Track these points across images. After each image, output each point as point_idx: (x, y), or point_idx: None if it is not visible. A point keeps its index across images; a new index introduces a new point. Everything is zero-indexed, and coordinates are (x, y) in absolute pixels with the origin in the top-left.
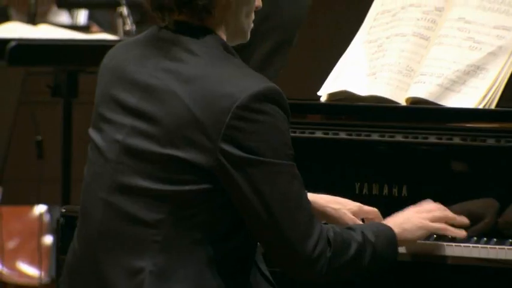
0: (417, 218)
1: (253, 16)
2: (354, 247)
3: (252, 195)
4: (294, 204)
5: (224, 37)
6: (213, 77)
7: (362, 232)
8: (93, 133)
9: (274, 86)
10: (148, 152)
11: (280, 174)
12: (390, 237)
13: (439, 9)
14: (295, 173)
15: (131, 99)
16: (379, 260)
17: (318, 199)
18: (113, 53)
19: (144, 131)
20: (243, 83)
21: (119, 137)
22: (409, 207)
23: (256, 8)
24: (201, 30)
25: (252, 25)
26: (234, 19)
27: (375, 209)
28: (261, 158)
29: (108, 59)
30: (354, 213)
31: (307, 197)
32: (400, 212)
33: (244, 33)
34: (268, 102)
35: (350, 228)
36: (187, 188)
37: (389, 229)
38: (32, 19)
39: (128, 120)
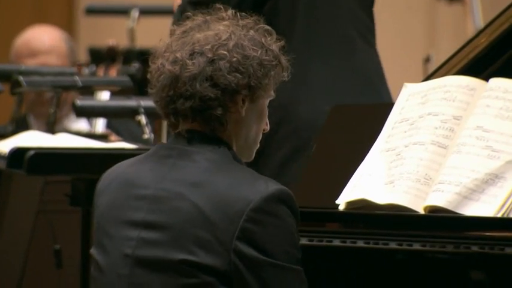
0: None
1: (260, 137)
2: None
3: None
4: None
5: (234, 149)
6: (222, 181)
7: None
8: (96, 253)
9: (285, 189)
10: (160, 260)
11: (291, 278)
12: None
13: (457, 118)
14: (304, 279)
15: (139, 214)
16: None
17: None
18: (115, 171)
19: (153, 240)
20: (255, 186)
21: (129, 251)
22: None
23: (264, 130)
24: (212, 139)
25: (258, 145)
26: (244, 135)
27: None
28: (275, 261)
29: (110, 178)
30: None
31: None
32: None
33: (250, 152)
34: (281, 204)
35: None
36: None
37: None
38: (51, 128)
39: (134, 233)
